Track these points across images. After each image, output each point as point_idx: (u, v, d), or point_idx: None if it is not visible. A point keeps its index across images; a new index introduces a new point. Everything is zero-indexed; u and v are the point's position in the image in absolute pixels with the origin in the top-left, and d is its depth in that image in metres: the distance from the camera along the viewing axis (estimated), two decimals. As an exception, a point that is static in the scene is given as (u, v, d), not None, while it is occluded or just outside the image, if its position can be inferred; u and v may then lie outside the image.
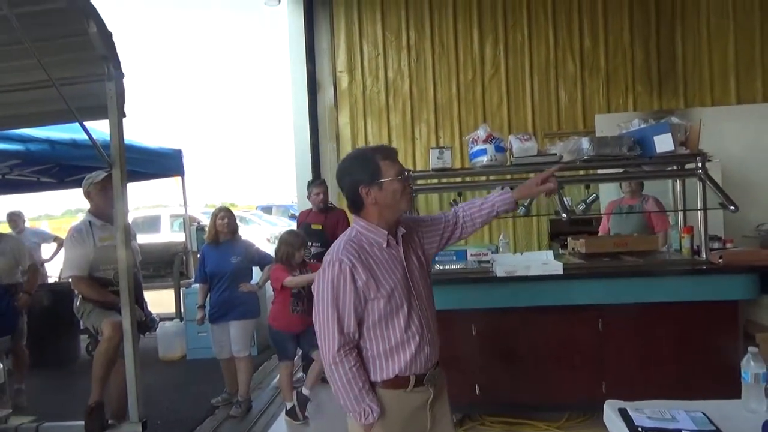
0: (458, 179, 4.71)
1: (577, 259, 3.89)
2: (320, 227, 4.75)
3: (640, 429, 1.71)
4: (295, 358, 4.22)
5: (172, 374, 5.30)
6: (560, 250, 4.47)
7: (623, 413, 1.83)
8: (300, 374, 4.75)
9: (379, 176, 1.85)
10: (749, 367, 1.84)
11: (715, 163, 4.26)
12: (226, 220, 4.25)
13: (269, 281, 4.17)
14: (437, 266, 3.81)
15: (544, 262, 3.61)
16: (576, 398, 3.24)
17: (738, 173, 5.36)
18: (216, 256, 4.25)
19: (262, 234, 12.25)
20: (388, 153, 1.91)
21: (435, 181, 4.27)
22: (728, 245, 4.01)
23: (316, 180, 5.01)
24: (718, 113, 5.88)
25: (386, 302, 1.84)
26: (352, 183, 1.88)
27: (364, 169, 1.87)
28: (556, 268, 3.50)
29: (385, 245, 1.90)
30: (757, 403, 1.82)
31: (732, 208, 3.43)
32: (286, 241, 3.99)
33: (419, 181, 3.92)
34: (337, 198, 6.60)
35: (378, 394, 1.87)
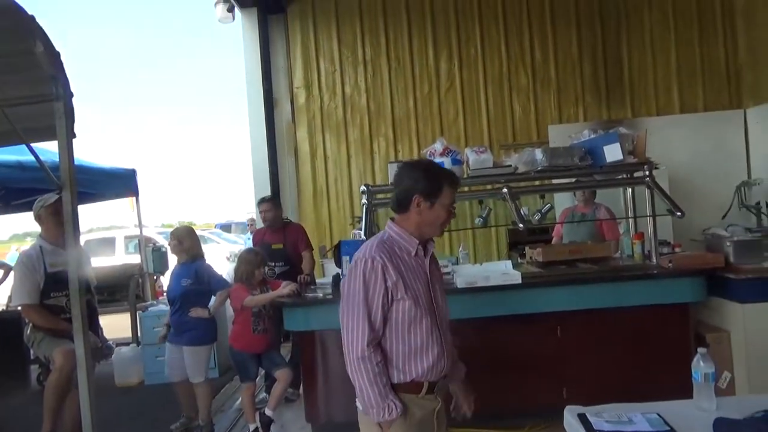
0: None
1: (535, 268, 3.97)
2: (281, 246, 4.71)
3: (599, 433, 1.75)
4: (257, 378, 4.15)
5: (130, 401, 5.12)
6: (519, 260, 4.55)
7: (582, 418, 1.87)
8: (263, 395, 4.67)
9: (437, 197, 1.94)
10: (699, 367, 1.90)
11: (662, 170, 4.43)
12: (175, 241, 4.13)
13: (229, 302, 4.08)
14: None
15: (503, 272, 3.67)
16: (538, 405, 3.29)
17: (683, 180, 5.59)
18: (173, 277, 4.15)
19: (222, 253, 12.05)
20: (454, 182, 2.01)
21: (394, 194, 4.31)
22: (677, 249, 4.16)
23: (264, 198, 4.94)
24: (663, 122, 6.14)
25: (412, 305, 1.90)
26: (411, 188, 1.95)
27: (429, 183, 1.94)
28: (515, 277, 3.56)
29: (413, 254, 1.97)
30: (707, 401, 1.89)
31: (678, 213, 3.58)
32: (245, 259, 3.94)
33: (379, 195, 3.94)
34: (296, 213, 6.59)
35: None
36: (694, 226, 4.78)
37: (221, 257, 11.22)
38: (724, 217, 5.32)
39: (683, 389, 2.00)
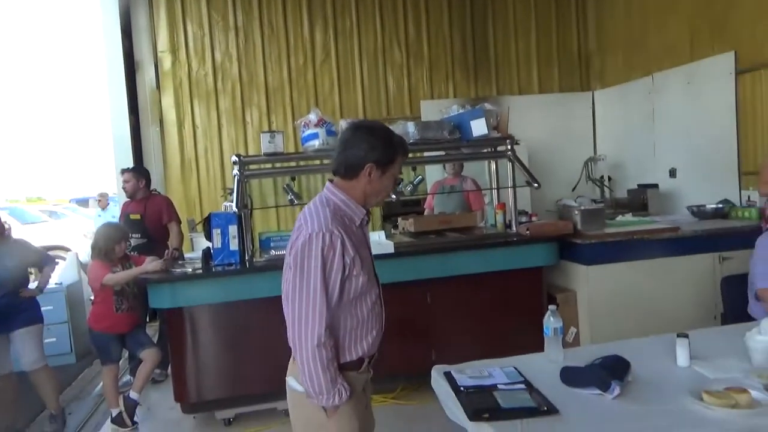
0: (291, 164, 4.67)
1: (407, 238, 4.10)
2: (139, 217, 4.48)
3: (462, 388, 1.87)
4: (120, 361, 3.90)
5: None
6: (392, 231, 4.68)
7: (448, 376, 1.99)
8: (126, 378, 4.41)
9: (389, 166, 1.83)
10: (549, 323, 2.10)
11: (522, 146, 4.75)
12: None
13: (89, 281, 3.77)
14: (272, 251, 3.76)
15: (377, 242, 3.75)
16: (409, 369, 3.43)
17: (541, 155, 6.05)
18: None
19: (77, 229, 11.02)
20: (406, 151, 1.92)
21: (268, 165, 4.18)
22: (534, 218, 4.52)
23: (125, 168, 4.76)
24: (523, 101, 6.57)
25: (366, 280, 1.80)
26: (366, 155, 1.79)
27: (385, 150, 1.82)
28: (388, 247, 3.65)
29: (358, 223, 1.86)
30: (556, 353, 2.09)
31: (536, 185, 3.88)
32: (103, 234, 3.64)
33: (251, 166, 3.82)
34: (162, 185, 6.20)
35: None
36: (549, 197, 5.22)
37: (77, 235, 10.29)
38: (573, 189, 5.86)
39: (536, 344, 2.19)
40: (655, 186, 5.39)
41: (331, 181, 1.89)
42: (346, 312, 1.80)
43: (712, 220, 4.38)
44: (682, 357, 1.97)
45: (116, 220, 5.36)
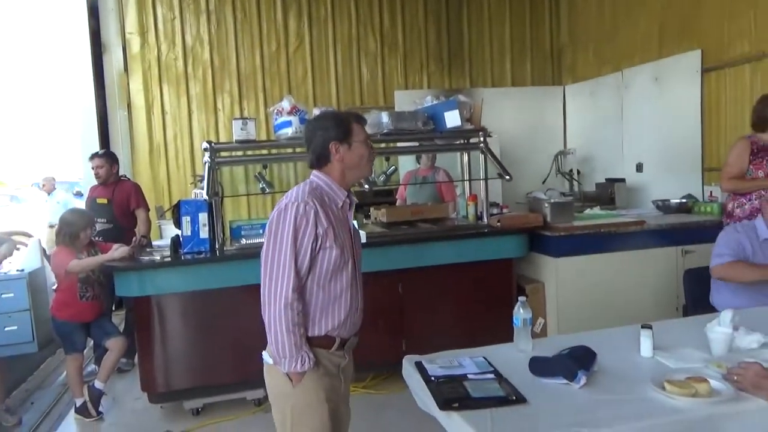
0: (264, 151, 4.62)
1: (379, 228, 4.10)
2: (106, 201, 4.39)
3: (432, 378, 1.89)
4: (85, 350, 3.82)
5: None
6: (364, 220, 4.67)
7: (419, 366, 2.00)
8: (91, 367, 4.32)
9: (350, 136, 1.92)
10: (519, 314, 2.13)
11: (494, 138, 4.79)
12: None
13: (52, 267, 3.68)
14: (243, 240, 3.72)
15: (349, 232, 3.74)
16: (379, 358, 3.44)
17: (512, 148, 6.11)
18: None
19: (39, 215, 10.69)
20: (359, 118, 2.00)
21: (240, 153, 4.13)
22: (505, 211, 4.57)
23: (96, 153, 4.60)
24: (496, 93, 6.61)
25: (339, 254, 1.87)
26: (324, 138, 1.91)
27: (337, 126, 1.91)
28: (361, 237, 3.64)
29: (340, 205, 1.94)
30: (525, 343, 2.12)
31: (508, 177, 3.92)
32: (67, 220, 3.55)
33: (223, 154, 3.76)
34: (130, 171, 6.07)
35: None
36: (520, 190, 5.28)
37: (39, 219, 9.98)
38: (544, 182, 5.95)
39: (506, 334, 2.23)
40: (623, 180, 5.51)
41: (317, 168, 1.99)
42: (319, 285, 1.88)
43: (676, 214, 4.50)
44: (645, 347, 2.02)
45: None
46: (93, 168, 4.47)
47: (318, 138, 1.92)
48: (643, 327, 2.05)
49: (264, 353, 1.93)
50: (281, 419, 1.92)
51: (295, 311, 1.80)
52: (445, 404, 1.69)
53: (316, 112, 3.76)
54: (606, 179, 5.69)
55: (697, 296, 3.17)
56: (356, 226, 2.10)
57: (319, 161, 1.94)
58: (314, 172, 1.97)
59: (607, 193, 5.40)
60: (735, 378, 1.72)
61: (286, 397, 1.88)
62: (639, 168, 5.58)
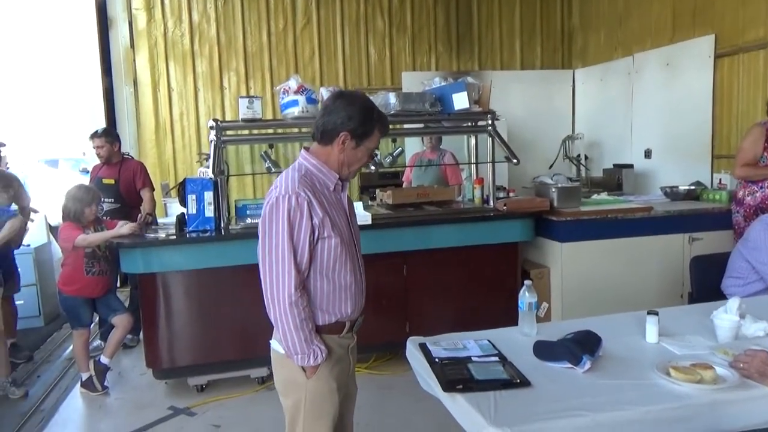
0: (270, 131, 4.60)
1: (384, 210, 4.09)
2: (112, 181, 4.38)
3: (437, 360, 1.89)
4: (92, 325, 3.85)
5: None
6: (369, 202, 4.66)
7: (423, 347, 2.01)
8: (97, 342, 4.36)
9: (365, 138, 1.84)
10: (525, 297, 2.12)
11: (502, 121, 4.74)
12: None
13: (59, 242, 3.68)
14: (248, 219, 3.72)
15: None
16: (383, 339, 3.45)
17: (520, 131, 6.06)
18: None
19: (45, 191, 10.73)
20: (385, 128, 1.91)
21: (245, 132, 4.11)
22: (511, 194, 4.55)
23: (96, 132, 4.48)
24: (505, 76, 6.53)
25: (338, 242, 1.82)
26: (342, 122, 1.81)
27: (362, 123, 1.82)
28: (366, 218, 3.64)
29: (332, 188, 1.87)
30: (529, 327, 2.12)
31: (515, 161, 3.89)
32: (74, 196, 3.55)
33: (229, 132, 3.74)
34: (135, 149, 6.06)
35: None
36: (527, 174, 5.25)
37: (46, 196, 10.02)
38: (551, 166, 5.89)
39: (510, 319, 2.22)
40: (630, 166, 5.46)
41: (306, 148, 1.91)
42: (323, 275, 1.83)
43: (684, 201, 4.46)
44: (651, 333, 2.02)
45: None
46: (95, 148, 4.41)
47: (337, 118, 1.81)
48: (649, 313, 2.04)
49: (272, 341, 1.90)
50: (292, 408, 1.89)
51: (301, 308, 1.75)
52: (448, 386, 1.69)
53: (323, 91, 3.73)
54: (614, 165, 5.64)
55: (703, 283, 3.15)
56: (351, 201, 2.04)
57: (323, 137, 1.85)
58: (303, 153, 1.89)
59: (615, 179, 5.36)
60: (741, 365, 1.71)
61: (298, 387, 1.85)
62: (647, 154, 5.53)
